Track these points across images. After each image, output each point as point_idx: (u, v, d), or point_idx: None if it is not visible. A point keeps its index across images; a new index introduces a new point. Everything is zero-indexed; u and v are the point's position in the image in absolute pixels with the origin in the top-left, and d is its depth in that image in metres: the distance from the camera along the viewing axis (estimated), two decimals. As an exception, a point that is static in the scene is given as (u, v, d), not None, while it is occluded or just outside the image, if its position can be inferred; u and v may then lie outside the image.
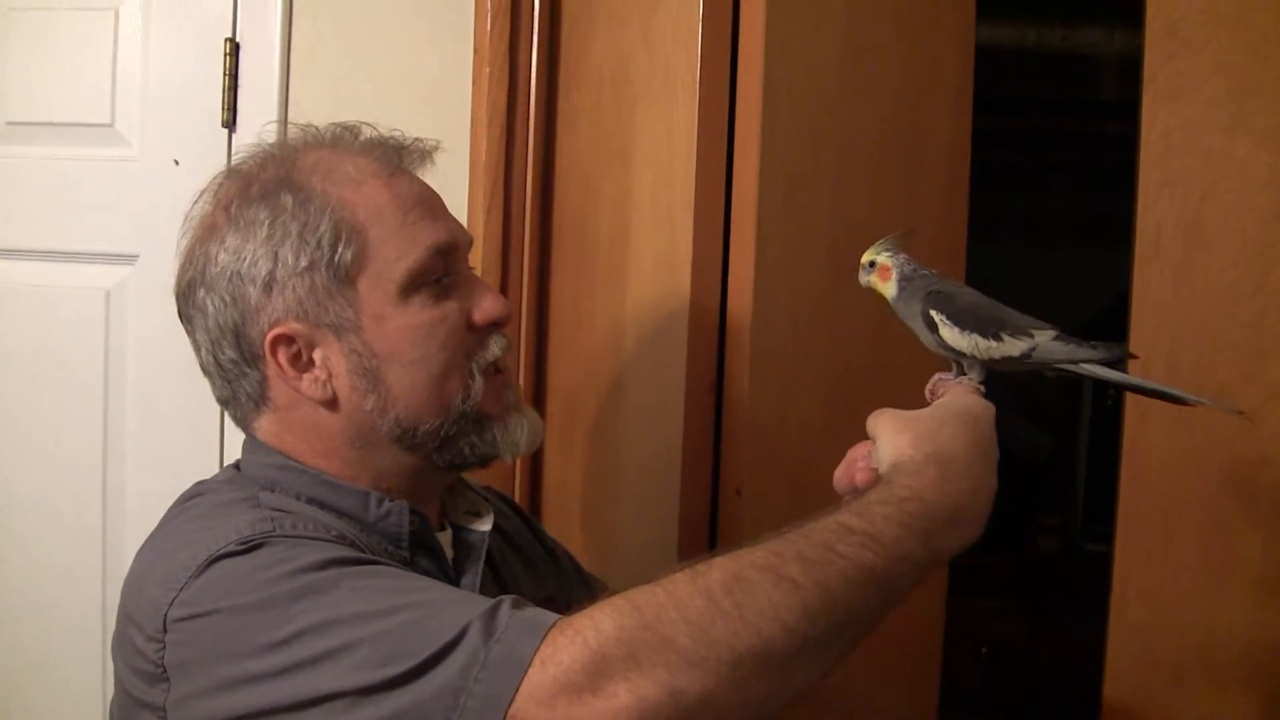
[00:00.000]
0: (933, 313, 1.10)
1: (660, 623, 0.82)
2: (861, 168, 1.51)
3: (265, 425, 1.10)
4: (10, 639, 1.93)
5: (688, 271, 1.44)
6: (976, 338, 1.08)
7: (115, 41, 1.85)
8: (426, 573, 1.08)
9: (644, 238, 1.52)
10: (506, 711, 0.81)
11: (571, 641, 0.82)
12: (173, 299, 1.76)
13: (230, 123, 1.82)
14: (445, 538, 1.15)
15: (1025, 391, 2.97)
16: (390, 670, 0.84)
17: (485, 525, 1.17)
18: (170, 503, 1.10)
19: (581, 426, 1.64)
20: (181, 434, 1.85)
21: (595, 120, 1.62)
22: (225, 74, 1.81)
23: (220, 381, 1.11)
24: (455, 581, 1.12)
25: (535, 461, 1.70)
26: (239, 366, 1.08)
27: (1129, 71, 1.52)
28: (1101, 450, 2.69)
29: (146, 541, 1.04)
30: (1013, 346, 1.08)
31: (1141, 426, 1.36)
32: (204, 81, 1.82)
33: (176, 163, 1.83)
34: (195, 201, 1.12)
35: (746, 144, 1.43)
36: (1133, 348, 1.40)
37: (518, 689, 0.81)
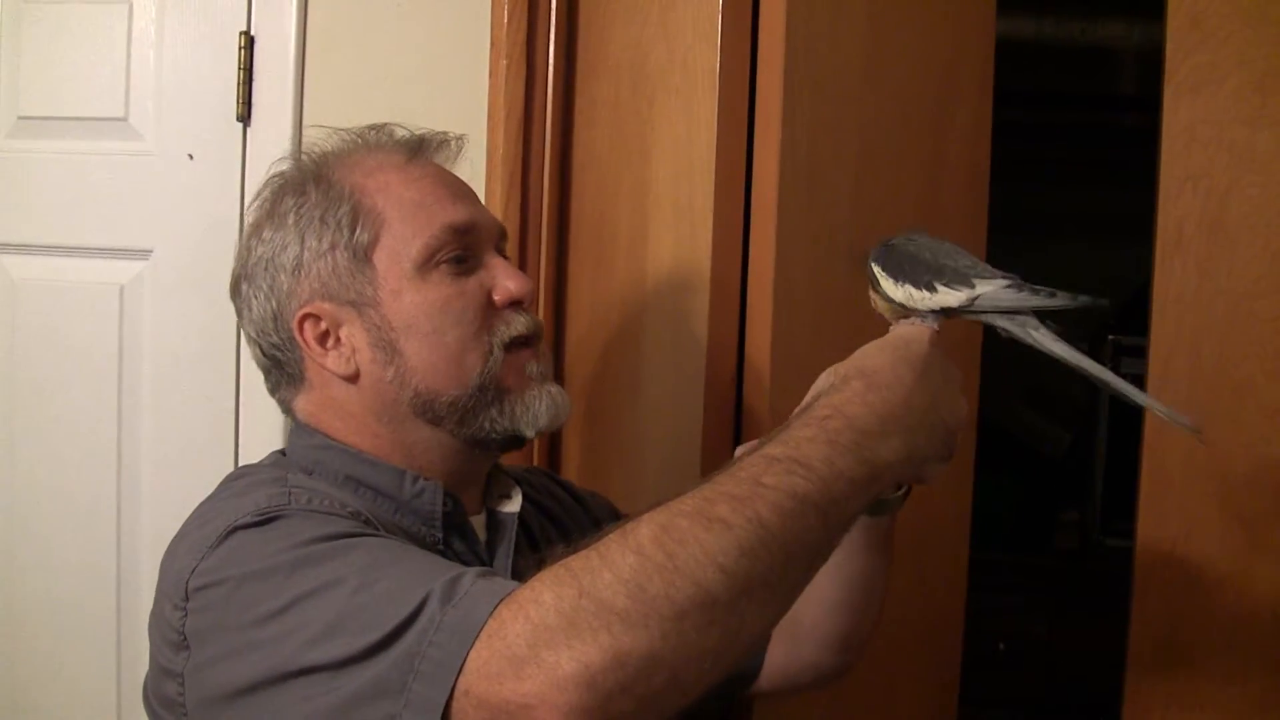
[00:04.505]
0: (872, 265, 1.07)
1: (595, 587, 0.81)
2: (882, 160, 1.50)
3: (302, 405, 1.16)
4: (24, 636, 1.93)
5: (708, 266, 1.44)
6: (910, 289, 1.05)
7: (129, 35, 1.85)
8: (459, 554, 1.12)
9: (663, 232, 1.52)
10: (456, 682, 0.81)
11: (515, 616, 0.82)
12: (186, 294, 1.79)
13: (245, 117, 1.81)
14: (479, 521, 1.19)
15: (1042, 385, 2.97)
16: (363, 640, 0.85)
17: (513, 507, 1.21)
18: (185, 497, 1.12)
19: (600, 422, 1.64)
20: (196, 429, 1.85)
21: (614, 113, 1.62)
22: (240, 68, 1.80)
23: (271, 370, 1.18)
24: (488, 562, 1.15)
25: (553, 457, 1.69)
26: (281, 351, 1.15)
27: (1148, 64, 1.52)
28: (1121, 444, 2.68)
29: (186, 519, 1.08)
30: (949, 297, 1.04)
31: (1162, 420, 1.35)
32: (218, 75, 1.81)
33: (191, 157, 1.83)
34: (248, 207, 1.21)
35: (767, 137, 1.42)
36: (1154, 343, 1.39)
37: (466, 659, 0.81)
